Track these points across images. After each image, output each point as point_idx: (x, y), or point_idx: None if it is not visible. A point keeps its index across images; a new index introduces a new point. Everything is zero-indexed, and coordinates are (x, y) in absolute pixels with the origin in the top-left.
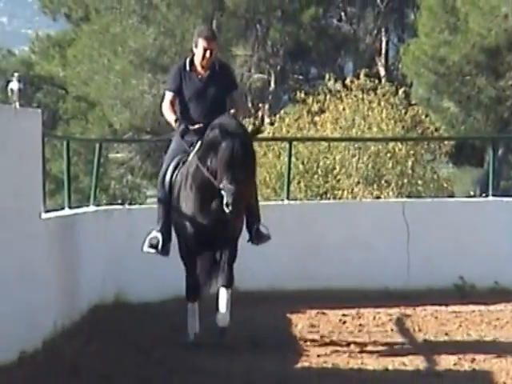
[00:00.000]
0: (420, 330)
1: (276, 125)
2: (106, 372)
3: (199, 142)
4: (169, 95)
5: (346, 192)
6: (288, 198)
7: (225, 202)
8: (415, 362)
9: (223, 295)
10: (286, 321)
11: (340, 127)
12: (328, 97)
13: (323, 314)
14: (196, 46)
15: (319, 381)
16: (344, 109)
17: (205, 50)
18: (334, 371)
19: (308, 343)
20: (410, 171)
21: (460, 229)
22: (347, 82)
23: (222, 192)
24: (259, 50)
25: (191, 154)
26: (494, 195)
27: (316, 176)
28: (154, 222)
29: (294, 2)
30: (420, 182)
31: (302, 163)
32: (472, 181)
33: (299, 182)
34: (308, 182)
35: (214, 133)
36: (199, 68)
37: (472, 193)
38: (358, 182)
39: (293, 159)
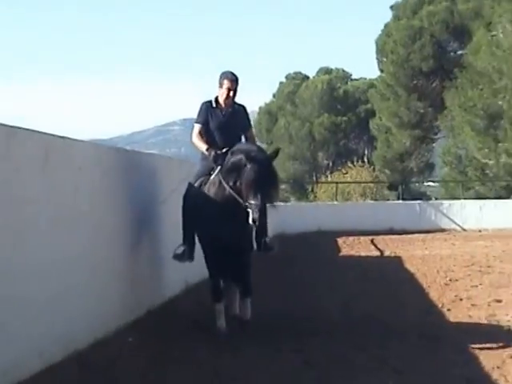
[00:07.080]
0: (387, 245)
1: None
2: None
3: (219, 167)
4: (197, 127)
5: (355, 199)
6: (336, 202)
7: (251, 217)
8: (385, 254)
9: (244, 305)
10: (334, 241)
11: (353, 179)
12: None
13: (350, 237)
14: (221, 86)
15: (347, 259)
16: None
17: (228, 90)
18: (353, 256)
19: (344, 247)
20: (372, 193)
21: (392, 211)
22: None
23: (248, 209)
24: (328, 155)
25: (212, 176)
26: (403, 199)
27: (345, 195)
28: None
29: (335, 137)
30: (378, 196)
31: (342, 191)
32: (395, 195)
33: (338, 196)
34: (343, 197)
35: (237, 156)
36: (222, 105)
37: (395, 198)
38: (361, 195)
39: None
